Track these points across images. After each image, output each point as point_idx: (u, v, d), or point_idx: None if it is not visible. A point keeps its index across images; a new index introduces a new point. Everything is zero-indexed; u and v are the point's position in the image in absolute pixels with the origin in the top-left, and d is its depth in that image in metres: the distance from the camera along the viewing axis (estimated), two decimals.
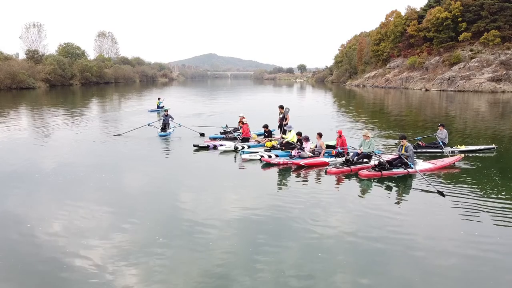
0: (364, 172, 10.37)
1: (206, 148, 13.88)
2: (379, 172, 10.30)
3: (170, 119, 18.34)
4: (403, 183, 10.07)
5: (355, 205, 8.31)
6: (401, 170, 10.51)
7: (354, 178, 10.33)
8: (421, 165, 11.06)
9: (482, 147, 13.79)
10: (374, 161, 10.95)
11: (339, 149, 11.83)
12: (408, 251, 6.20)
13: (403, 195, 9.37)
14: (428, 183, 9.48)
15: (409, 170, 10.46)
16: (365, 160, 11.24)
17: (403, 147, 10.76)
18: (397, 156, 10.83)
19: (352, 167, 10.82)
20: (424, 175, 10.08)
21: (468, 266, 5.82)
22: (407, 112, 30.39)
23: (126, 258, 5.94)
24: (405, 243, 6.45)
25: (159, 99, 30.10)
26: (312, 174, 10.78)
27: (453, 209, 8.04)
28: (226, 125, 17.34)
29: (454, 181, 9.99)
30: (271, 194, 9.01)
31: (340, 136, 12.13)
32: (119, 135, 17.34)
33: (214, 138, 16.09)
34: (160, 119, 18.52)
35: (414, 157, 11.01)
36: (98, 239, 6.59)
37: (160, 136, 17.00)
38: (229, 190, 9.41)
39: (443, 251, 6.19)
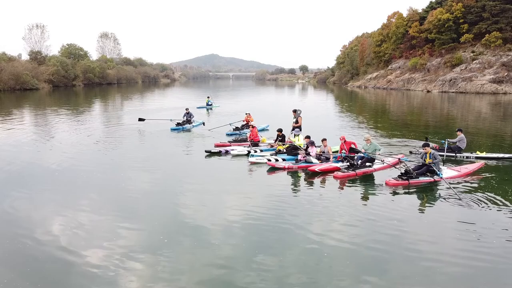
0: (392, 181, 10.12)
1: (219, 153, 13.66)
2: (407, 181, 10.08)
3: (191, 116, 20.49)
4: (422, 190, 9.86)
5: (360, 210, 8.39)
6: (428, 178, 10.28)
7: (360, 182, 10.45)
8: (445, 172, 10.72)
9: (507, 155, 13.05)
10: (394, 164, 11.07)
11: (343, 153, 12.04)
12: (415, 258, 6.20)
13: (414, 201, 9.25)
14: (451, 191, 9.33)
15: (435, 178, 10.27)
16: (367, 163, 11.44)
17: (427, 155, 10.53)
18: (422, 164, 10.60)
19: (357, 171, 10.99)
20: (450, 183, 9.86)
21: (472, 276, 5.80)
22: (409, 114, 30.55)
23: (130, 258, 6.05)
24: (411, 249, 6.48)
25: (208, 97, 33.16)
26: (318, 178, 10.87)
27: (472, 218, 7.86)
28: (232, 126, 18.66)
29: (478, 190, 9.72)
30: (276, 197, 9.10)
31: (345, 142, 12.33)
32: (143, 120, 20.24)
33: (231, 135, 17.62)
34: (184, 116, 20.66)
35: (440, 164, 10.80)
36: (102, 239, 6.71)
37: (172, 130, 18.97)
38: (234, 193, 9.54)
39: (450, 260, 6.18)
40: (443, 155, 12.91)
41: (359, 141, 14.99)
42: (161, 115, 22.94)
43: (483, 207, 8.46)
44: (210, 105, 32.10)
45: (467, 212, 8.24)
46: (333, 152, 12.47)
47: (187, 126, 19.78)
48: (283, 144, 13.88)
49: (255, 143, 14.69)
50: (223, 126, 18.81)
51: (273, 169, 11.72)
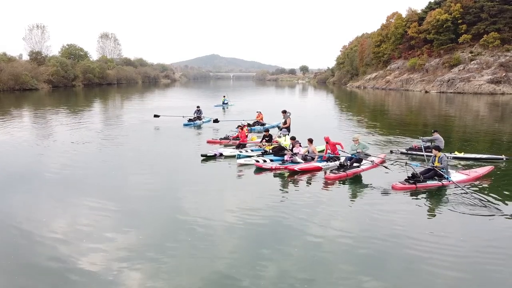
0: (398, 185, 9.86)
1: (213, 157, 13.34)
2: (414, 185, 9.85)
3: (201, 113, 22.39)
4: (429, 194, 9.68)
5: (364, 213, 8.23)
6: (435, 182, 10.09)
7: (351, 183, 10.52)
8: (454, 176, 10.50)
9: (485, 156, 12.98)
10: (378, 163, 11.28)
11: (329, 154, 12.19)
12: (418, 262, 6.16)
13: (421, 205, 9.04)
14: (460, 195, 9.24)
15: (444, 182, 10.08)
16: (355, 164, 11.57)
17: (436, 158, 10.42)
18: (429, 167, 10.41)
19: (348, 171, 11.03)
20: (462, 186, 9.69)
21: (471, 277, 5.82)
22: (407, 114, 30.69)
23: (129, 259, 6.12)
24: (414, 253, 6.45)
25: (224, 96, 35.81)
26: (310, 179, 10.87)
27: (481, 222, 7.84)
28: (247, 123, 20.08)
29: (488, 194, 9.52)
30: (270, 198, 9.04)
31: (328, 142, 12.43)
32: (158, 116, 22.07)
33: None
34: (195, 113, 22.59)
35: (448, 168, 10.60)
36: (102, 240, 6.77)
37: (184, 125, 20.78)
38: (229, 194, 9.58)
39: (454, 265, 6.12)
40: (422, 155, 12.74)
41: (350, 142, 15.16)
42: (170, 112, 24.37)
43: (492, 211, 8.29)
44: (226, 103, 34.65)
45: (475, 217, 8.08)
46: (318, 152, 12.60)
47: (198, 122, 21.78)
48: (271, 144, 13.98)
49: (243, 145, 14.74)
50: (236, 121, 20.14)
51: (260, 170, 11.73)
